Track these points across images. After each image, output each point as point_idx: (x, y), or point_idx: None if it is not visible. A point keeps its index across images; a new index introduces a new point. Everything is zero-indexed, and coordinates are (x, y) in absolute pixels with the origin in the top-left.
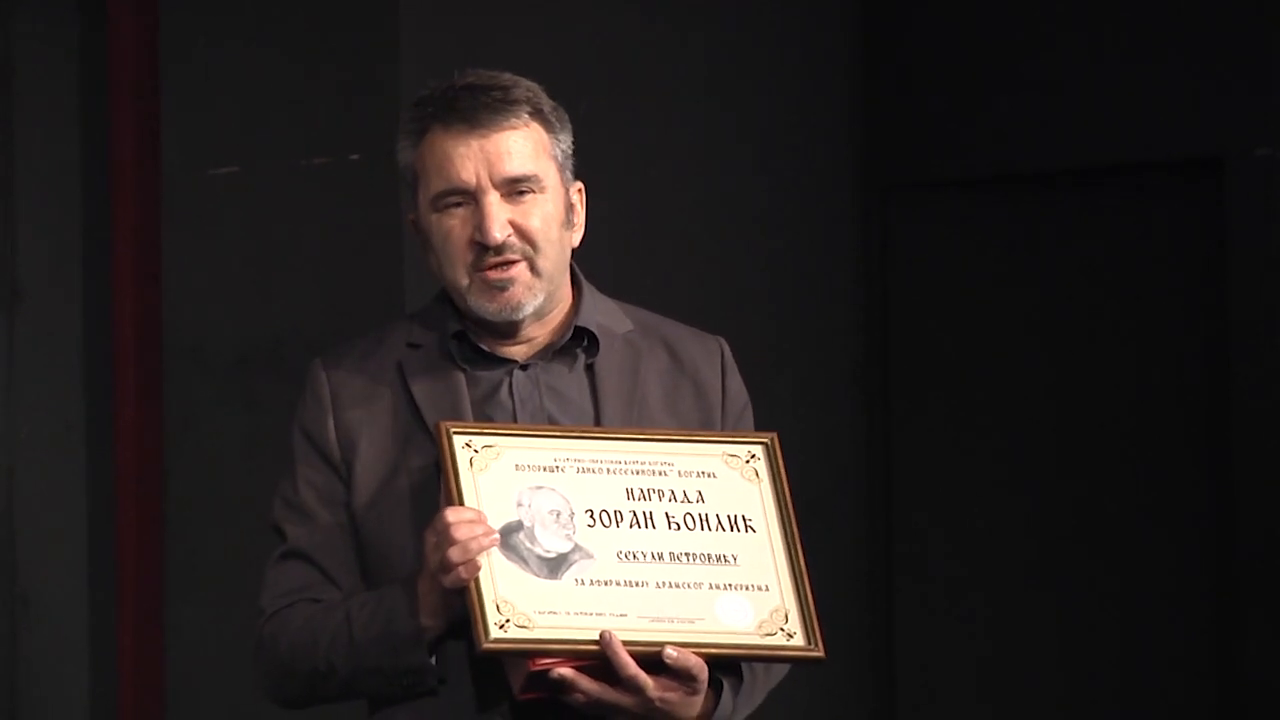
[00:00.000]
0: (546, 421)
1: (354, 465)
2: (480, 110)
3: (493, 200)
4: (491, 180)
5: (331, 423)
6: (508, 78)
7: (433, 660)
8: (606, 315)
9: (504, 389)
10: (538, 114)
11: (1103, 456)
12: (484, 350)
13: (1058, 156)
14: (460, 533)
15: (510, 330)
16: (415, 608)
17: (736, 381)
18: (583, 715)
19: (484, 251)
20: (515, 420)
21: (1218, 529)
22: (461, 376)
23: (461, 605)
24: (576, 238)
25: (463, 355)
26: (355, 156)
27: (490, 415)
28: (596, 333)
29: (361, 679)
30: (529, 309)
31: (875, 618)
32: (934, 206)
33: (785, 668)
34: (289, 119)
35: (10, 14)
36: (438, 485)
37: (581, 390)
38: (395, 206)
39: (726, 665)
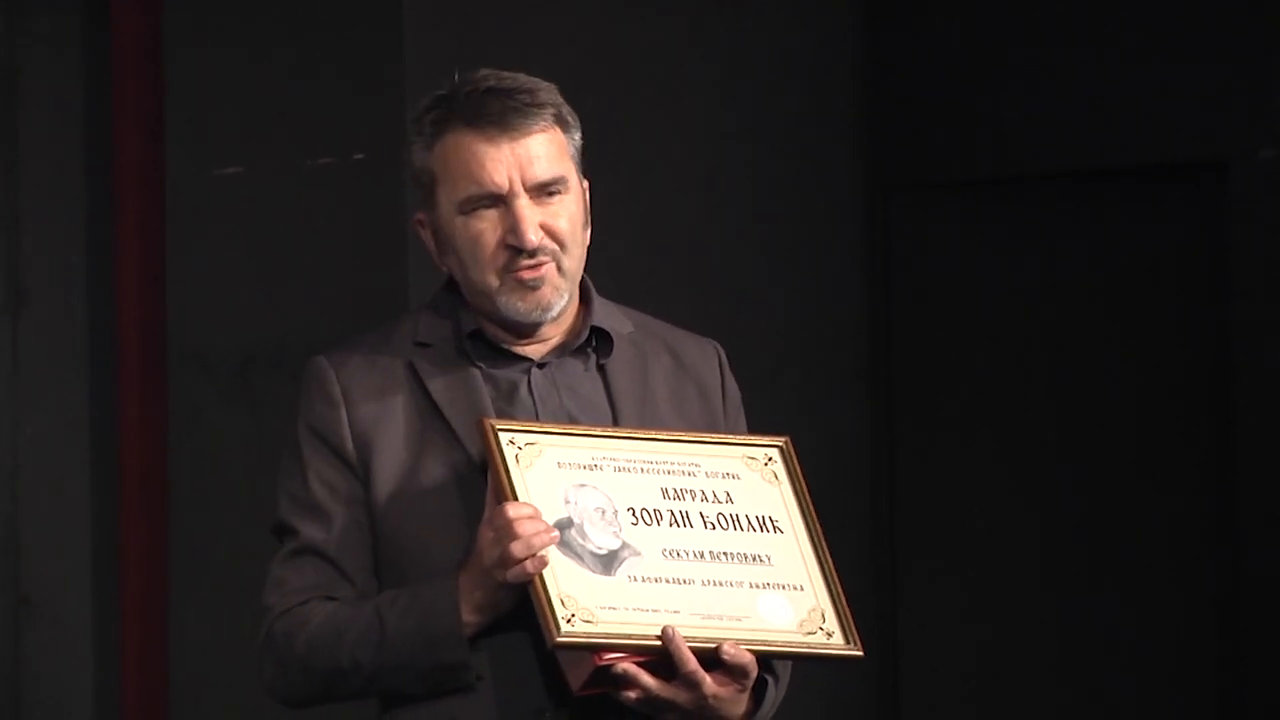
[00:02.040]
0: (566, 420)
1: (371, 463)
2: (510, 114)
3: (524, 204)
4: (524, 184)
5: (346, 420)
6: (528, 80)
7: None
8: (611, 316)
9: (523, 387)
10: (558, 117)
11: (1106, 457)
12: (498, 348)
13: (1062, 158)
14: (523, 528)
15: (529, 330)
16: (456, 603)
17: (732, 383)
18: (628, 711)
19: (517, 254)
20: (536, 418)
21: (1220, 531)
22: (477, 374)
23: (510, 602)
24: (588, 235)
25: (478, 353)
26: (360, 156)
27: (510, 413)
28: (610, 333)
29: (390, 676)
30: (557, 308)
31: (880, 619)
32: (938, 208)
33: (791, 663)
34: (293, 119)
35: (14, 15)
36: (465, 482)
37: (596, 389)
38: (400, 206)
39: (762, 663)
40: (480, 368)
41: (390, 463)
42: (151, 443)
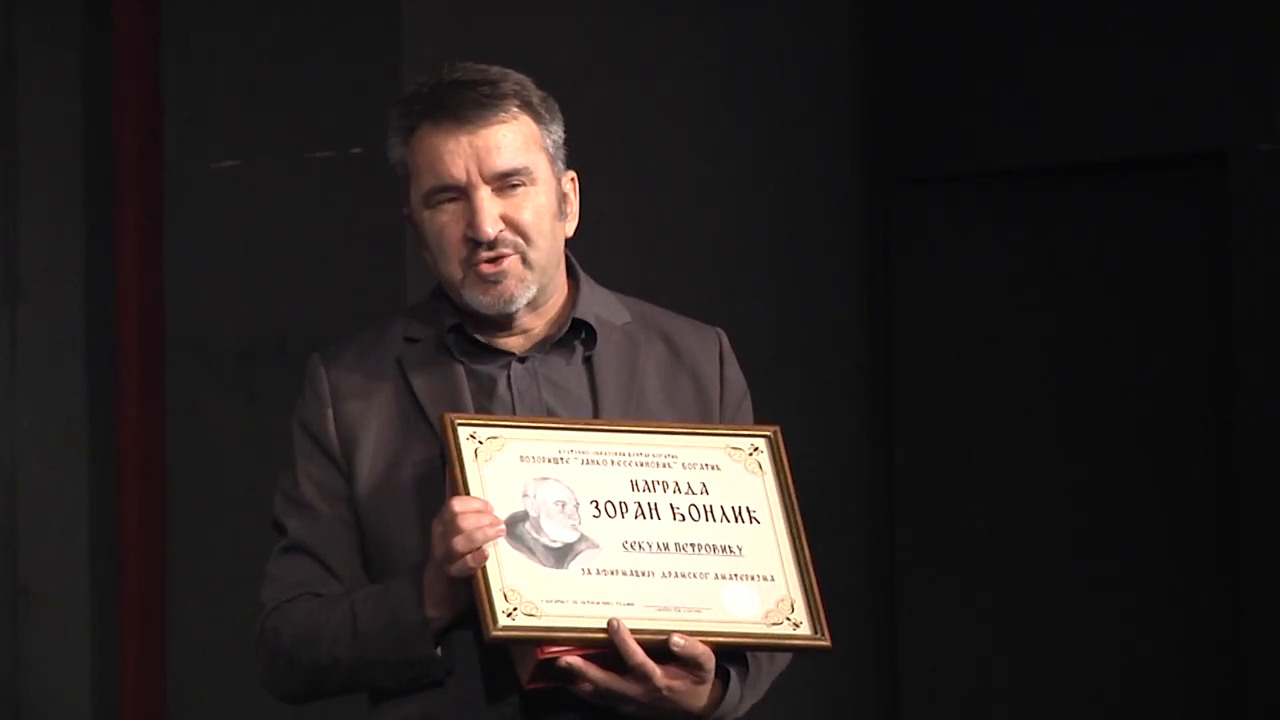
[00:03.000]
0: (545, 414)
1: (355, 459)
2: (468, 106)
3: (484, 195)
4: (482, 175)
5: (331, 417)
6: (495, 71)
7: (439, 651)
8: (604, 307)
9: (502, 382)
10: (526, 106)
11: (1106, 449)
12: (481, 343)
13: (1061, 151)
14: (466, 522)
15: (506, 323)
16: (421, 598)
17: (735, 372)
18: (589, 706)
19: (476, 246)
20: (514, 413)
21: (1221, 526)
22: (460, 369)
23: (468, 596)
24: (570, 227)
25: (460, 348)
26: (357, 150)
27: (489, 408)
28: (594, 325)
29: (366, 671)
30: (522, 301)
31: (878, 613)
32: (938, 201)
33: (788, 657)
34: (291, 113)
35: (14, 6)
36: (442, 477)
37: (580, 383)
38: (397, 200)
39: (733, 656)
40: (463, 363)
41: (372, 459)
42: (150, 435)
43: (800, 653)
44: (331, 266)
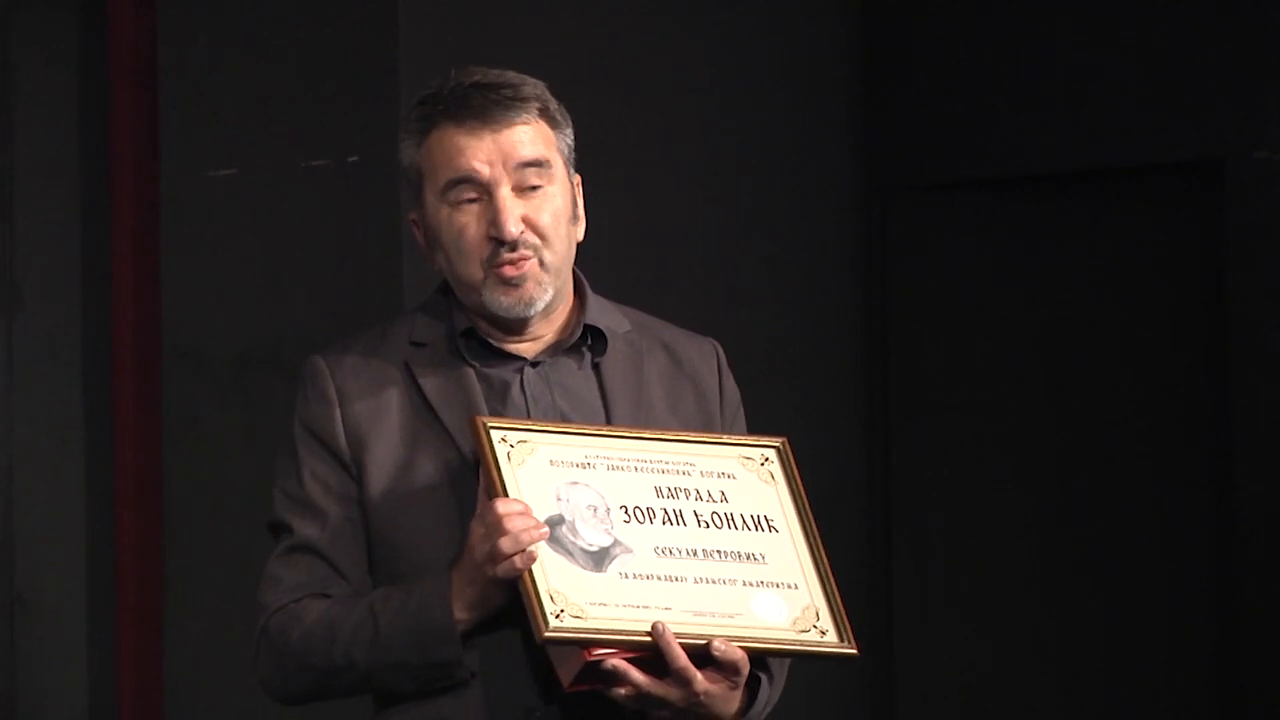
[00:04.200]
0: (559, 419)
1: (364, 461)
2: (492, 106)
3: (506, 194)
4: (506, 171)
5: (339, 418)
6: (513, 75)
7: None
8: (607, 315)
9: (516, 386)
10: (544, 111)
11: (1103, 458)
12: (492, 347)
13: (1057, 159)
14: (513, 524)
15: (519, 327)
16: (449, 601)
17: (731, 383)
18: (616, 708)
19: (499, 246)
20: (529, 417)
21: (1218, 530)
22: (472, 373)
23: (499, 599)
24: (580, 231)
25: (471, 352)
26: (354, 158)
27: (502, 412)
28: (605, 332)
29: (384, 673)
30: (541, 304)
31: (875, 618)
32: (934, 209)
33: (789, 661)
34: (288, 121)
35: (10, 15)
36: (458, 480)
37: (590, 389)
38: (394, 208)
39: (757, 661)
40: (474, 367)
41: (383, 461)
42: (146, 442)
43: (827, 661)
44: (328, 275)
